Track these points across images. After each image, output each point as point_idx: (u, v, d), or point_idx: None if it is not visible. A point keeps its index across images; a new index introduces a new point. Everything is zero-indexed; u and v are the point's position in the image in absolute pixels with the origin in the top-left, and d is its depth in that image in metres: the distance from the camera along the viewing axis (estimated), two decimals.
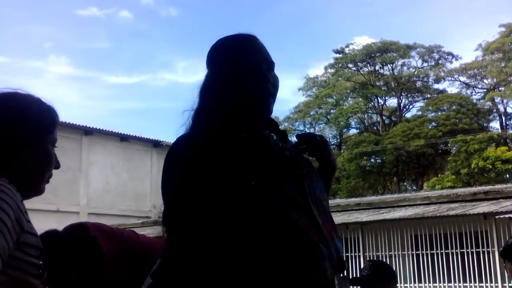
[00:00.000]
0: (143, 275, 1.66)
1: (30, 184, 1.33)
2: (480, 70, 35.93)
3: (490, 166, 28.73)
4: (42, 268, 1.25)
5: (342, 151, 36.01)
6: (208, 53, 1.72)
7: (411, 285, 12.79)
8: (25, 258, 1.21)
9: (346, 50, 39.35)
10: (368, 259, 12.04)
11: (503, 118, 35.64)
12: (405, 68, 38.44)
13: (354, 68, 39.36)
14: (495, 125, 36.20)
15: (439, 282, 12.43)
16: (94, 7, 60.55)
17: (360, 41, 49.55)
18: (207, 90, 1.66)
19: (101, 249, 2.02)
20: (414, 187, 35.57)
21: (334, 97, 38.73)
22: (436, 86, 38.79)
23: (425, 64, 38.24)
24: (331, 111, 38.82)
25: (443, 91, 37.78)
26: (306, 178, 1.59)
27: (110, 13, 53.56)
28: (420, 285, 12.72)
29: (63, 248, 2.05)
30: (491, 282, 11.74)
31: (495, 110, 35.92)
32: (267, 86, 1.63)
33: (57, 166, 1.42)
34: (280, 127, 1.75)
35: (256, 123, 1.63)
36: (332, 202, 17.94)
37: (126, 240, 2.10)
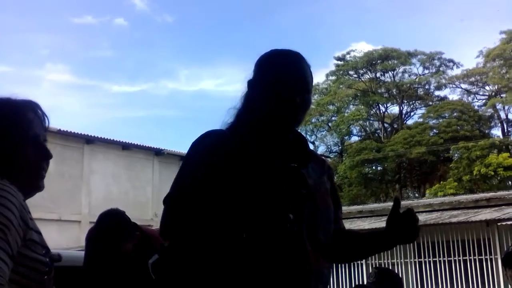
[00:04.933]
0: None
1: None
2: (482, 76, 35.96)
3: (492, 173, 28.70)
4: (49, 265, 1.29)
5: (343, 159, 36.01)
6: (257, 61, 1.77)
7: None
8: (33, 256, 1.24)
9: (347, 57, 39.43)
10: (372, 266, 11.99)
11: (505, 125, 35.66)
12: (406, 75, 38.52)
13: (355, 75, 39.41)
14: (496, 132, 36.25)
15: None
16: (89, 15, 60.60)
17: (358, 47, 49.66)
18: (249, 96, 1.73)
19: (145, 232, 2.50)
20: (416, 195, 35.52)
21: (336, 105, 38.74)
22: (437, 93, 38.86)
23: (426, 71, 38.32)
24: (333, 118, 38.83)
25: (444, 98, 37.80)
26: (310, 201, 1.61)
27: (104, 21, 53.53)
28: None
29: (128, 222, 2.55)
30: None
31: (496, 117, 35.94)
32: (293, 111, 1.65)
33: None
34: None
35: (283, 137, 1.69)
36: None
37: (149, 230, 2.58)
